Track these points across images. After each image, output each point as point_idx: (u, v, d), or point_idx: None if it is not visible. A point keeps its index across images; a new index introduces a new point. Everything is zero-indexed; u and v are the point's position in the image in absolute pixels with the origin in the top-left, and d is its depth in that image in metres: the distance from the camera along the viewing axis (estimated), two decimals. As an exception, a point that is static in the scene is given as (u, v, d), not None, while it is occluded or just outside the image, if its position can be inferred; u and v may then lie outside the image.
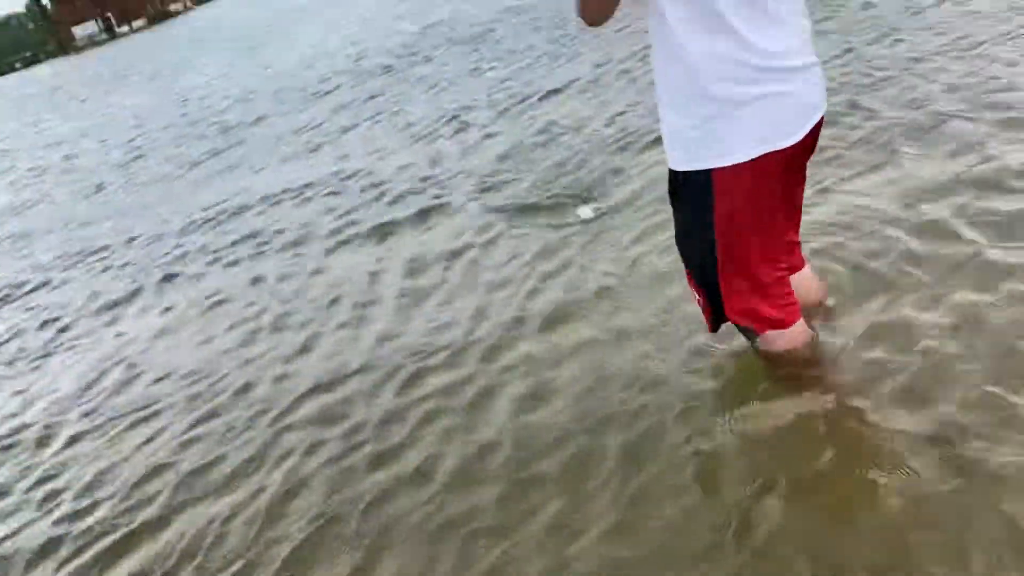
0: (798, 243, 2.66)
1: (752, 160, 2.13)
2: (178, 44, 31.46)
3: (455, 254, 4.34)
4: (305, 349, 3.84)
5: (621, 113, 5.77)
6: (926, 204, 3.26)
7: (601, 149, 5.13)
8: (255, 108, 11.33)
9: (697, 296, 2.51)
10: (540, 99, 6.93)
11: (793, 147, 2.16)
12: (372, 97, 9.32)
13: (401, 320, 3.81)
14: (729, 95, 2.09)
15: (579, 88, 6.83)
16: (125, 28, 66.49)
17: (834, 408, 2.42)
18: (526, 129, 6.21)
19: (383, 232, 5.00)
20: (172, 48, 30.26)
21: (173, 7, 71.65)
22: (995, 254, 2.82)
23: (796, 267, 2.67)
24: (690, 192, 2.25)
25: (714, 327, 2.54)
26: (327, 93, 10.59)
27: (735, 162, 2.14)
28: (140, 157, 10.27)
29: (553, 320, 3.37)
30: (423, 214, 5.03)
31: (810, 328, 2.57)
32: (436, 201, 5.18)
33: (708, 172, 2.16)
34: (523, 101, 7.03)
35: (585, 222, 4.16)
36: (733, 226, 2.24)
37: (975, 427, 2.17)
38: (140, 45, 40.23)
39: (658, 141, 2.84)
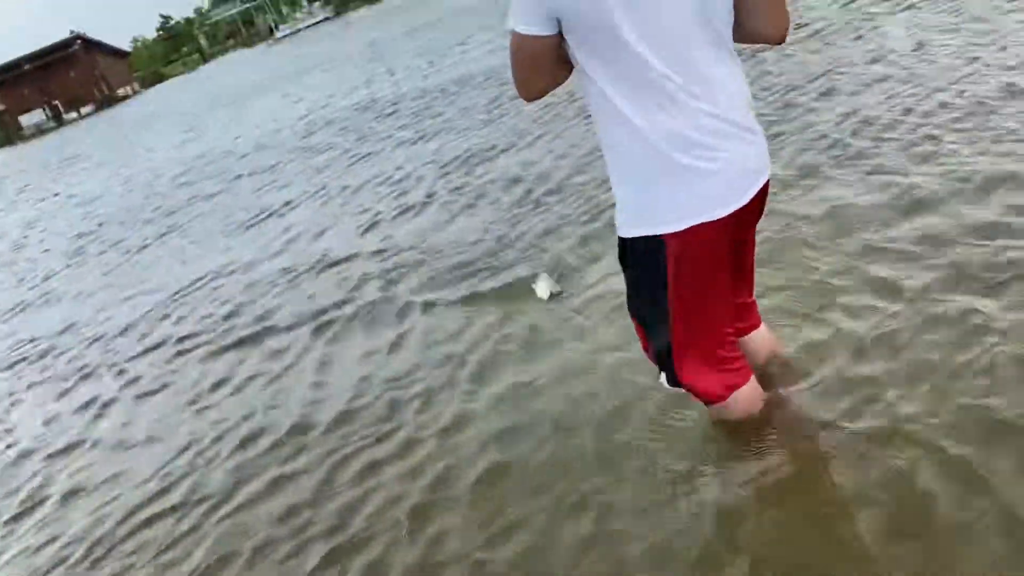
0: (753, 303, 2.65)
1: (694, 227, 2.11)
2: (125, 129, 31.42)
3: (402, 336, 4.25)
4: (250, 441, 3.73)
5: (573, 181, 5.76)
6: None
7: (562, 221, 5.05)
8: (198, 188, 11.28)
9: (651, 358, 2.49)
10: (493, 172, 6.91)
11: (737, 212, 2.14)
12: (318, 172, 9.29)
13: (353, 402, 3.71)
14: (667, 163, 2.07)
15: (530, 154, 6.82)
16: (73, 115, 66.29)
17: (792, 470, 2.39)
18: (476, 198, 6.18)
19: (325, 322, 4.84)
20: (119, 133, 30.22)
21: (121, 91, 71.72)
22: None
23: (752, 326, 2.66)
24: (637, 258, 2.24)
25: (672, 384, 2.49)
26: (271, 168, 10.58)
27: (677, 229, 2.11)
28: (83, 250, 10.08)
29: (509, 396, 3.30)
30: (370, 306, 4.84)
31: (763, 388, 2.55)
32: (382, 294, 4.96)
33: (653, 238, 2.15)
34: (474, 169, 7.02)
35: (542, 300, 4.02)
36: (681, 291, 2.22)
37: (931, 474, 2.17)
38: (88, 131, 40.09)
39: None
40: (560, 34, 2.04)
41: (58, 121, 65.20)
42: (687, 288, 2.21)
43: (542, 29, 2.03)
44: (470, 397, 3.40)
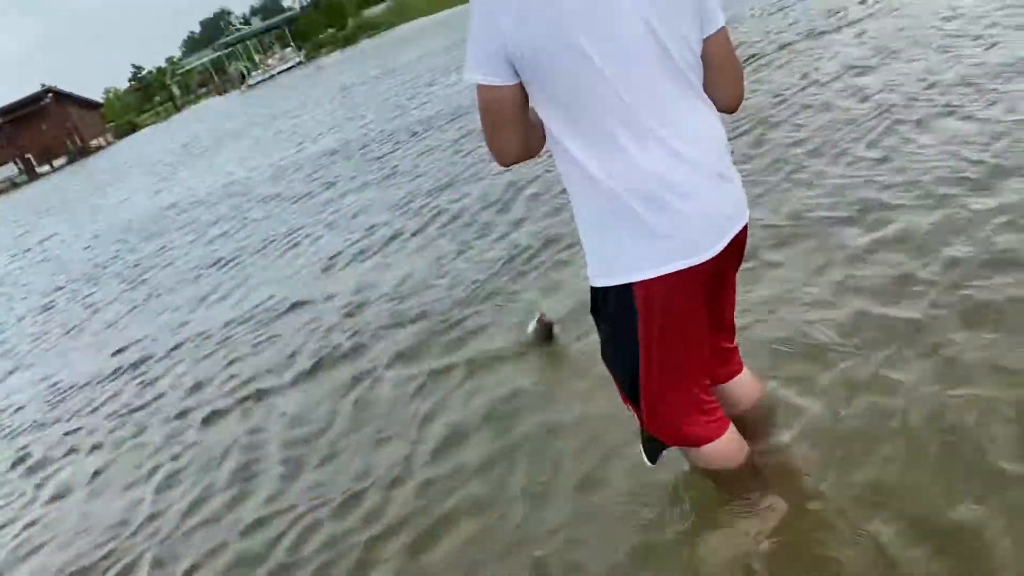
0: (734, 349, 2.55)
1: (663, 276, 2.02)
2: (97, 181, 31.18)
3: (356, 381, 4.10)
4: (193, 510, 3.59)
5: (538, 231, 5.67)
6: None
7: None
8: (167, 240, 11.12)
9: (631, 410, 2.38)
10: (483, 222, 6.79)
11: (711, 261, 2.04)
12: (283, 220, 9.17)
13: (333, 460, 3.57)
14: (635, 213, 1.98)
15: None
16: (46, 168, 65.88)
17: (777, 524, 2.30)
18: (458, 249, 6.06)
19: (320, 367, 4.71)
20: (90, 185, 29.99)
21: (94, 143, 71.44)
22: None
23: (734, 372, 2.58)
24: (609, 308, 2.15)
25: (652, 458, 2.42)
26: (237, 217, 10.44)
27: (644, 278, 2.03)
28: (51, 306, 9.86)
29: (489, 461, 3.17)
30: (351, 352, 4.73)
31: (743, 438, 2.44)
32: (349, 345, 4.85)
33: (624, 288, 2.07)
34: (435, 209, 6.92)
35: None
36: (654, 342, 2.13)
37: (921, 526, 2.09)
38: (60, 184, 39.79)
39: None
40: (521, 86, 1.97)
41: (30, 175, 64.76)
42: (659, 337, 2.12)
43: (498, 77, 1.94)
44: (437, 462, 3.26)
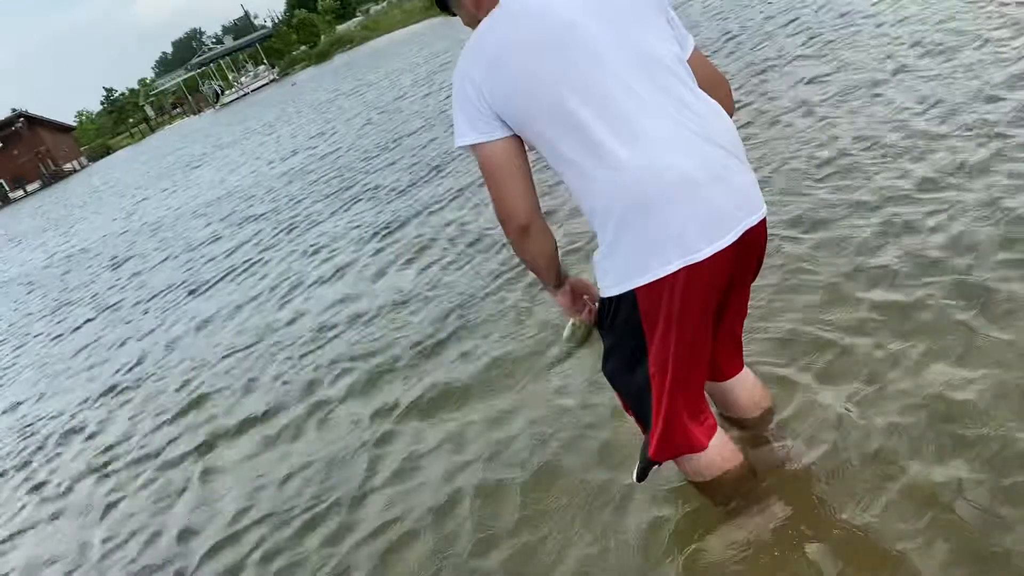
0: (737, 349, 2.45)
1: (663, 279, 1.94)
2: (71, 204, 30.87)
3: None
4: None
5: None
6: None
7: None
8: (136, 265, 10.93)
9: (637, 424, 2.29)
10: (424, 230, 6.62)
11: (715, 260, 1.93)
12: (250, 244, 8.98)
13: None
14: (630, 218, 1.93)
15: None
16: (19, 193, 65.22)
17: (774, 539, 2.18)
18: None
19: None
20: (64, 209, 29.67)
21: (67, 166, 70.75)
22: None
23: (735, 368, 2.47)
24: (614, 317, 2.08)
25: (641, 476, 2.33)
26: (207, 243, 10.23)
27: (646, 282, 1.96)
28: (11, 339, 9.63)
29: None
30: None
31: (743, 441, 2.41)
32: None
33: (628, 295, 2.00)
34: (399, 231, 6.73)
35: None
36: (655, 346, 2.04)
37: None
38: (33, 208, 39.37)
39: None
40: (516, 139, 1.99)
41: (3, 200, 64.11)
42: (663, 342, 2.04)
43: (484, 134, 1.97)
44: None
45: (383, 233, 6.93)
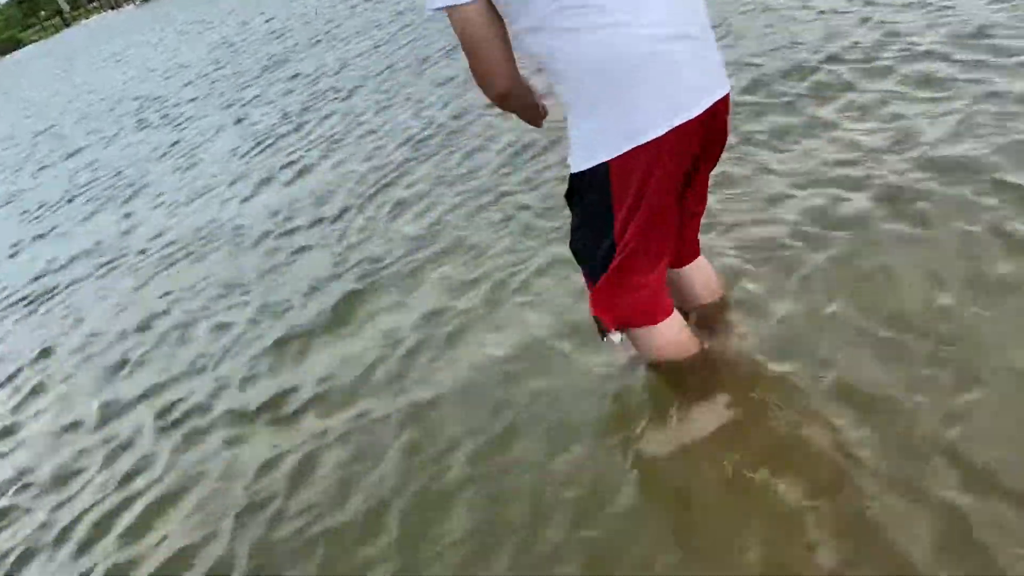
0: (694, 234, 2.49)
1: (632, 150, 1.98)
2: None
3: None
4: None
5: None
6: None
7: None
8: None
9: (591, 302, 2.32)
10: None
11: (680, 133, 1.97)
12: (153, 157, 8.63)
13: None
14: (609, 80, 1.94)
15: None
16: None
17: (724, 429, 2.22)
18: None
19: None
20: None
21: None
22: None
23: (691, 254, 2.52)
24: (585, 190, 2.13)
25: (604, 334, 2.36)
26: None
27: (618, 153, 1.99)
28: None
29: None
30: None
31: (700, 330, 2.45)
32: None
33: (601, 167, 2.03)
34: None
35: None
36: (626, 218, 2.09)
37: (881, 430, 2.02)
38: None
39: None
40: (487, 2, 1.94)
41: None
42: (630, 213, 2.08)
43: None
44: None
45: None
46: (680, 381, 2.39)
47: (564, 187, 2.22)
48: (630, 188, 2.04)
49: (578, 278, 2.49)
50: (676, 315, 2.33)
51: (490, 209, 4.02)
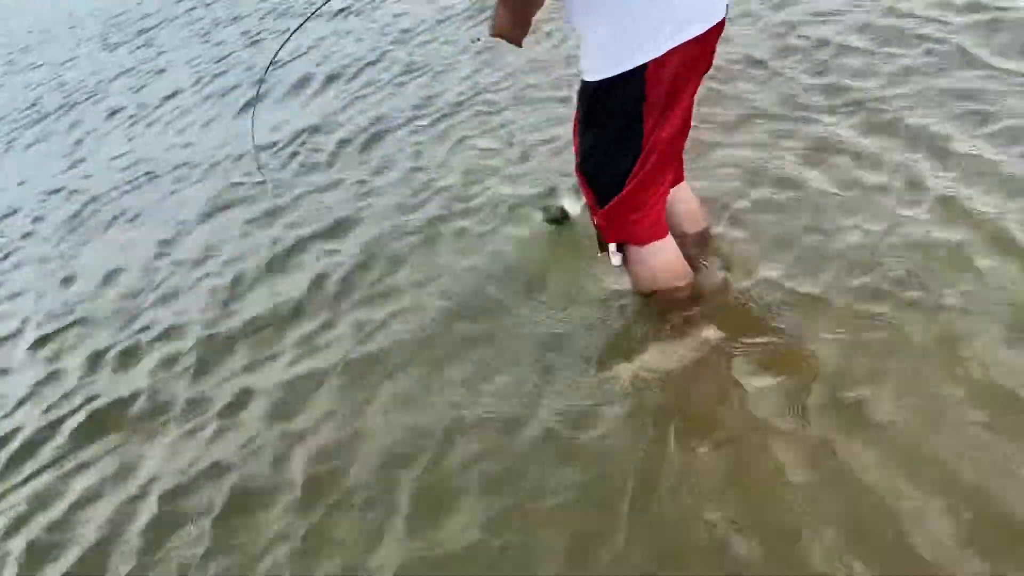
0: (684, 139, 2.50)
1: (674, 49, 2.01)
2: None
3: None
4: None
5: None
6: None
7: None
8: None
9: (599, 221, 2.33)
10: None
11: (699, 42, 2.04)
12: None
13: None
14: None
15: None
16: None
17: (711, 359, 2.30)
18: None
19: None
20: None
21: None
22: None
23: (677, 178, 2.55)
24: (616, 98, 2.10)
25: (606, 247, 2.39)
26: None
27: (659, 54, 2.00)
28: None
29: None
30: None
31: (695, 261, 2.49)
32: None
33: (641, 68, 2.03)
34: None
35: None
36: (650, 124, 2.12)
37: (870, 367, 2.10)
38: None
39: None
40: None
41: None
42: (660, 121, 2.12)
43: None
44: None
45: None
46: (665, 315, 2.43)
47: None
48: (663, 90, 2.05)
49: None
50: (674, 242, 2.37)
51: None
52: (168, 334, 3.40)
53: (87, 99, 7.82)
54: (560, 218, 3.07)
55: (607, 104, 2.12)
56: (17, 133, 7.63)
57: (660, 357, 2.34)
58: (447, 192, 3.67)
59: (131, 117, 6.74)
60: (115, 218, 4.85)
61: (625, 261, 2.36)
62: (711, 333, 2.36)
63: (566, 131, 3.06)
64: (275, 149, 4.86)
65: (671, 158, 2.27)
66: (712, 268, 2.58)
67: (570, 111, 2.28)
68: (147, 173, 5.33)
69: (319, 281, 3.35)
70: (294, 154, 4.73)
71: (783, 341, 2.27)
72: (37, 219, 5.30)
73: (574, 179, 2.36)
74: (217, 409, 2.84)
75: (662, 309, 2.44)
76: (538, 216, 3.16)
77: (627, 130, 2.13)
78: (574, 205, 3.04)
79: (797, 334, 2.27)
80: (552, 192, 3.28)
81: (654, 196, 2.25)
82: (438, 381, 2.58)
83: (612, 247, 2.33)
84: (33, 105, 8.36)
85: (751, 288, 2.48)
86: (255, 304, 3.39)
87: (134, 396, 3.08)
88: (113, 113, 7.02)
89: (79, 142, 6.65)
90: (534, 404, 2.35)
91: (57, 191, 5.64)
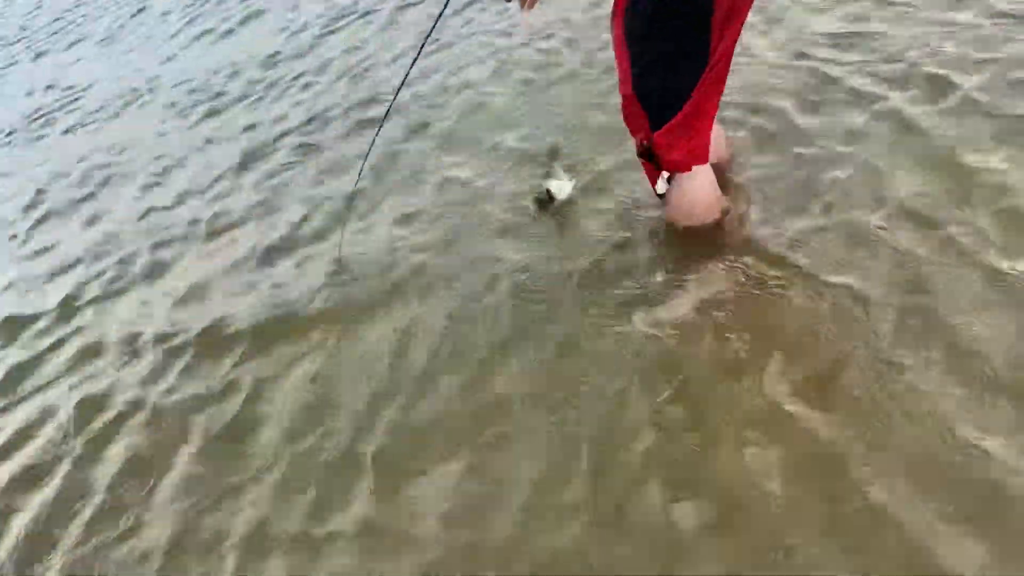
0: None
1: None
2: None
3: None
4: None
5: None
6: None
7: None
8: None
9: (657, 140, 2.27)
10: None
11: None
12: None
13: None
14: None
15: None
16: None
17: (742, 292, 2.24)
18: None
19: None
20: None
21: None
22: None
23: None
24: (681, 15, 2.10)
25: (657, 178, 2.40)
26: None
27: None
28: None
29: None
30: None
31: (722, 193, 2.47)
32: None
33: None
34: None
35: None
36: (721, 37, 2.13)
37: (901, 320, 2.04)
38: None
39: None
40: None
41: None
42: (720, 34, 2.12)
43: None
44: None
45: None
46: (690, 249, 2.40)
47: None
48: (727, 4, 2.07)
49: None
50: (711, 171, 2.37)
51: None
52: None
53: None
54: (546, 200, 3.02)
55: (674, 18, 2.11)
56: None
57: (677, 297, 2.29)
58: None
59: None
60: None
61: (672, 184, 2.36)
62: (729, 275, 2.29)
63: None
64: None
65: (724, 76, 2.24)
66: (735, 205, 2.53)
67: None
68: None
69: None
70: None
71: (804, 290, 2.19)
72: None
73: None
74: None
75: (690, 239, 2.43)
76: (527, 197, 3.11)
77: (696, 42, 2.12)
78: (562, 187, 2.98)
79: (818, 288, 2.19)
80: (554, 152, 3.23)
81: (707, 118, 2.25)
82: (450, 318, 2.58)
83: (664, 175, 2.32)
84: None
85: (769, 234, 2.41)
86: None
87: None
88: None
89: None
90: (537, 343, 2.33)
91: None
